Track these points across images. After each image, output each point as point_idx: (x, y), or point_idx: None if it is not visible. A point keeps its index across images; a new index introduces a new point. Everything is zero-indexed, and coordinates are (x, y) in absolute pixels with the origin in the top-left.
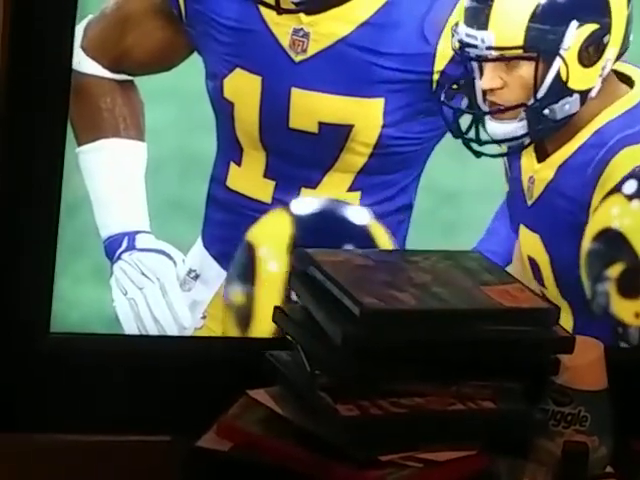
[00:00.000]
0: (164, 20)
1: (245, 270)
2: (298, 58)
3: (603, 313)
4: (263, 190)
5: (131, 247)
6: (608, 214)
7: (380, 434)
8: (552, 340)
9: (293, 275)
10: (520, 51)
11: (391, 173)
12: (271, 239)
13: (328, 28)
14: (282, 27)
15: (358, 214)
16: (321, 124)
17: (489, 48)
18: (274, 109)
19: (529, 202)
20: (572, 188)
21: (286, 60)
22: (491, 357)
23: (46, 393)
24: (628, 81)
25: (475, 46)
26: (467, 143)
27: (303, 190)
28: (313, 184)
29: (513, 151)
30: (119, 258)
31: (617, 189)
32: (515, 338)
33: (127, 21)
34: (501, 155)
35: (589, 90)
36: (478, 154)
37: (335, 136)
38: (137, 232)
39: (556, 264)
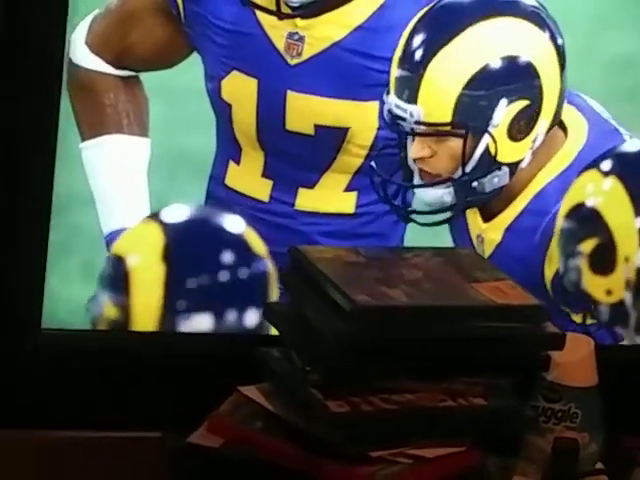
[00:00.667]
0: (165, 18)
1: (117, 283)
2: (293, 61)
3: (574, 289)
4: (261, 189)
5: None
6: (582, 190)
7: (370, 430)
8: (543, 337)
9: (285, 272)
10: (448, 127)
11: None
12: (142, 250)
13: (323, 32)
14: (277, 30)
15: (232, 222)
16: (317, 126)
17: (417, 122)
18: (270, 111)
19: None
20: (521, 250)
21: (281, 63)
22: (482, 354)
23: (37, 390)
24: (560, 125)
25: (404, 119)
26: (396, 211)
27: (300, 190)
28: (310, 184)
29: (441, 223)
30: None
31: (593, 166)
32: (506, 335)
33: (130, 18)
34: (431, 225)
35: (519, 162)
36: (407, 219)
37: (331, 138)
38: None
39: None
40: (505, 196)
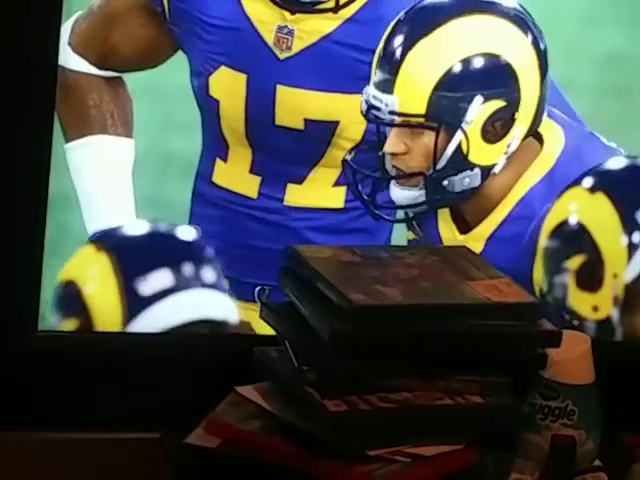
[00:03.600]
0: (148, 18)
1: (72, 306)
2: (283, 55)
3: (559, 306)
4: (249, 185)
5: None
6: (568, 207)
7: (368, 429)
8: (539, 334)
9: (281, 271)
10: (422, 119)
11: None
12: (91, 272)
13: (312, 25)
14: (266, 25)
15: (183, 232)
16: (307, 121)
17: (392, 113)
18: (259, 106)
19: None
20: (506, 259)
21: (271, 57)
22: (478, 352)
23: (34, 392)
24: (537, 136)
25: (379, 109)
26: (365, 205)
27: (289, 185)
28: (299, 179)
29: (412, 218)
30: None
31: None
32: (502, 332)
33: (113, 18)
34: (401, 221)
35: (492, 166)
36: (376, 216)
37: (321, 132)
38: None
39: None
40: (483, 206)
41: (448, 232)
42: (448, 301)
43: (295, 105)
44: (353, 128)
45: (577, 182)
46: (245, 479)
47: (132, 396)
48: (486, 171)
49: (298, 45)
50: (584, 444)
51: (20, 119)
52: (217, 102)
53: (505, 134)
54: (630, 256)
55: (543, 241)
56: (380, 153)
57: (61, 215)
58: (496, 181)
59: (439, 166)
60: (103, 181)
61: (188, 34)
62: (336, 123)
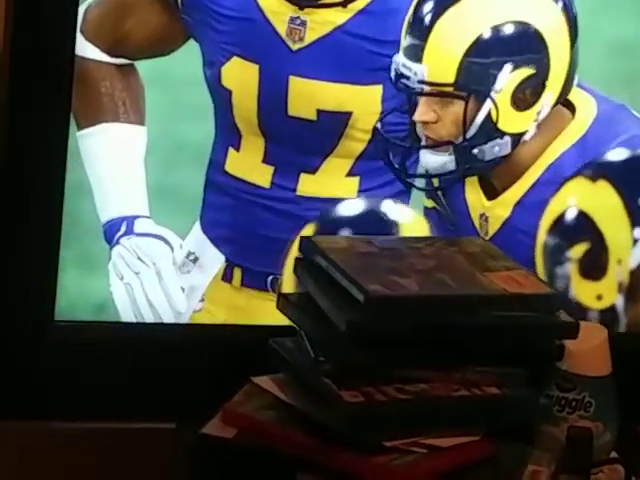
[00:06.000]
0: (161, 5)
1: None
2: (295, 46)
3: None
4: (262, 175)
5: (129, 232)
6: (570, 197)
7: (385, 420)
8: (556, 325)
9: (297, 262)
10: (451, 89)
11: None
12: None
13: (325, 16)
14: (279, 15)
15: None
16: (319, 112)
17: (421, 82)
18: (272, 97)
19: (485, 238)
20: (531, 225)
21: (283, 48)
22: (495, 343)
23: (50, 381)
24: (568, 105)
25: (408, 77)
26: (397, 174)
27: (302, 175)
28: (312, 169)
29: (442, 186)
30: (117, 242)
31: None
32: (519, 324)
33: (125, 5)
34: (433, 189)
35: (522, 134)
36: (408, 185)
37: (334, 123)
38: (136, 217)
39: None
40: (512, 172)
41: (475, 199)
42: (465, 292)
43: (308, 96)
44: (366, 119)
45: (579, 172)
46: (261, 470)
47: (148, 386)
48: (516, 139)
49: (310, 36)
50: (601, 436)
51: (37, 108)
52: (230, 92)
53: (535, 101)
54: (635, 241)
55: (543, 233)
56: (410, 121)
57: (70, 204)
58: (526, 148)
59: (469, 135)
60: (116, 169)
61: (200, 24)
62: (349, 114)
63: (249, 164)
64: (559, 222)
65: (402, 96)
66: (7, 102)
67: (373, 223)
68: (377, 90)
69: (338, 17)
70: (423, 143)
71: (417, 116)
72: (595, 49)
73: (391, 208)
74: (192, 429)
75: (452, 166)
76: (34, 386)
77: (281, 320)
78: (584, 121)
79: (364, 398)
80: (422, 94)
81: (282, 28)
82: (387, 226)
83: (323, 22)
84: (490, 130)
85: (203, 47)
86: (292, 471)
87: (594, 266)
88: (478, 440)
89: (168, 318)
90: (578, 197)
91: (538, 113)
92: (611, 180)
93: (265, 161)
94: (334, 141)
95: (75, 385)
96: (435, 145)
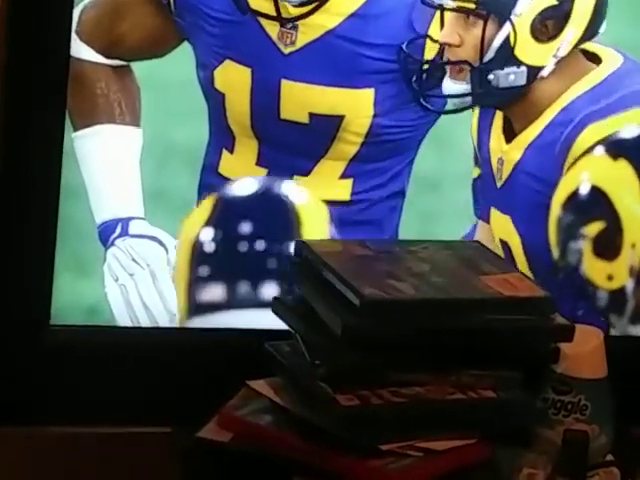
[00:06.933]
0: (155, 7)
1: None
2: (287, 50)
3: (572, 274)
4: None
5: (124, 233)
6: (587, 173)
7: (380, 424)
8: (552, 328)
9: (293, 266)
10: (473, 5)
11: (383, 160)
12: None
13: (316, 20)
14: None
15: None
16: (312, 115)
17: None
18: (265, 100)
19: (498, 184)
20: (540, 168)
21: (275, 52)
22: (491, 346)
23: (46, 386)
24: (595, 59)
25: None
26: (416, 96)
27: (295, 178)
28: (305, 172)
29: (457, 110)
30: (112, 244)
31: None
32: (515, 327)
33: (120, 7)
34: (450, 111)
35: (540, 68)
36: (423, 107)
37: (326, 126)
38: (131, 218)
39: (527, 245)
40: (530, 112)
41: (496, 144)
42: (460, 295)
43: (300, 99)
44: (358, 122)
45: (598, 146)
46: (257, 473)
47: (144, 390)
48: (533, 71)
49: (302, 40)
50: (597, 439)
51: (34, 108)
52: (223, 95)
53: (556, 35)
54: None
55: (557, 207)
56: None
57: (64, 206)
58: (544, 89)
59: (486, 58)
60: (111, 170)
61: (193, 27)
62: (341, 117)
63: (243, 166)
64: (575, 197)
65: (395, 99)
66: (3, 103)
67: (270, 203)
68: (369, 93)
69: (329, 21)
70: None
71: (442, 37)
72: None
73: (290, 190)
74: (188, 433)
75: (468, 90)
76: (29, 390)
77: (277, 324)
78: (605, 70)
79: (360, 401)
80: (446, 9)
81: (274, 32)
82: (284, 207)
83: (314, 26)
84: (507, 56)
85: (196, 50)
86: (288, 475)
87: (608, 246)
88: (474, 443)
89: (163, 319)
90: (597, 174)
91: (558, 49)
92: (631, 161)
93: (259, 163)
94: (327, 144)
95: (71, 390)
96: (452, 63)
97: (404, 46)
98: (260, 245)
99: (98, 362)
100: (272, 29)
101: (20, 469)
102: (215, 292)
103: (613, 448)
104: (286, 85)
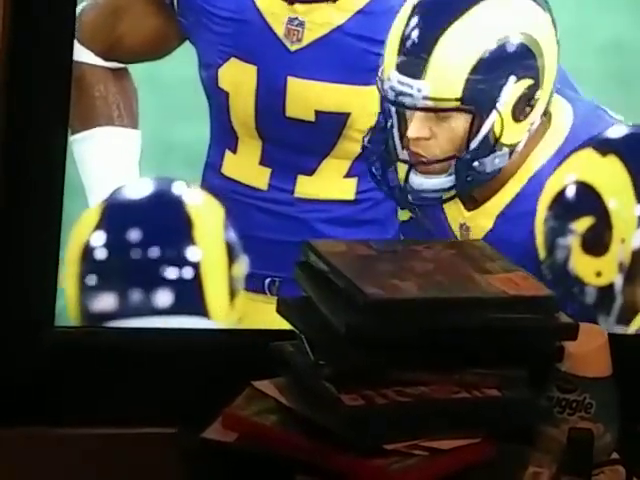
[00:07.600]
0: (156, 8)
1: None
2: (293, 47)
3: (559, 271)
4: (259, 177)
5: None
6: (577, 168)
7: (385, 423)
8: (556, 327)
9: (297, 266)
10: (457, 103)
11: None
12: None
13: (323, 17)
14: (277, 16)
15: None
16: (318, 112)
17: (425, 98)
18: (270, 98)
19: None
20: (517, 236)
21: (281, 49)
22: (495, 345)
23: (50, 387)
24: (544, 113)
25: (410, 95)
26: (391, 194)
27: (300, 177)
28: (309, 171)
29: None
30: None
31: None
32: (519, 326)
33: (119, 9)
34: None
35: (517, 144)
36: (405, 206)
37: (332, 124)
38: None
39: None
40: (492, 183)
41: (454, 209)
42: (464, 295)
43: (306, 97)
44: (364, 120)
45: (589, 143)
46: (262, 473)
47: (148, 391)
48: (512, 150)
49: (308, 37)
50: (602, 437)
51: (35, 112)
52: (227, 94)
53: (530, 112)
54: None
55: (547, 201)
56: (392, 135)
57: (64, 208)
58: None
59: (471, 148)
60: (110, 173)
61: (197, 26)
62: (347, 115)
63: (246, 166)
64: (564, 193)
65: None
66: (5, 104)
67: (161, 205)
68: (375, 91)
69: (336, 17)
70: (406, 159)
71: (412, 133)
72: (588, 48)
73: (182, 190)
74: (193, 433)
75: (450, 184)
76: (33, 391)
77: (281, 324)
78: (561, 128)
79: (364, 401)
80: (422, 110)
81: (280, 29)
82: (175, 208)
83: (321, 23)
84: (492, 143)
85: (199, 49)
86: (293, 474)
87: (597, 242)
88: (479, 442)
89: None
90: (586, 169)
91: (532, 124)
92: (621, 157)
93: (262, 163)
94: (332, 142)
95: (75, 390)
96: (430, 163)
97: (367, 142)
98: (151, 250)
99: (101, 363)
100: (278, 26)
101: (21, 470)
102: (107, 300)
103: (618, 446)
104: (292, 82)
